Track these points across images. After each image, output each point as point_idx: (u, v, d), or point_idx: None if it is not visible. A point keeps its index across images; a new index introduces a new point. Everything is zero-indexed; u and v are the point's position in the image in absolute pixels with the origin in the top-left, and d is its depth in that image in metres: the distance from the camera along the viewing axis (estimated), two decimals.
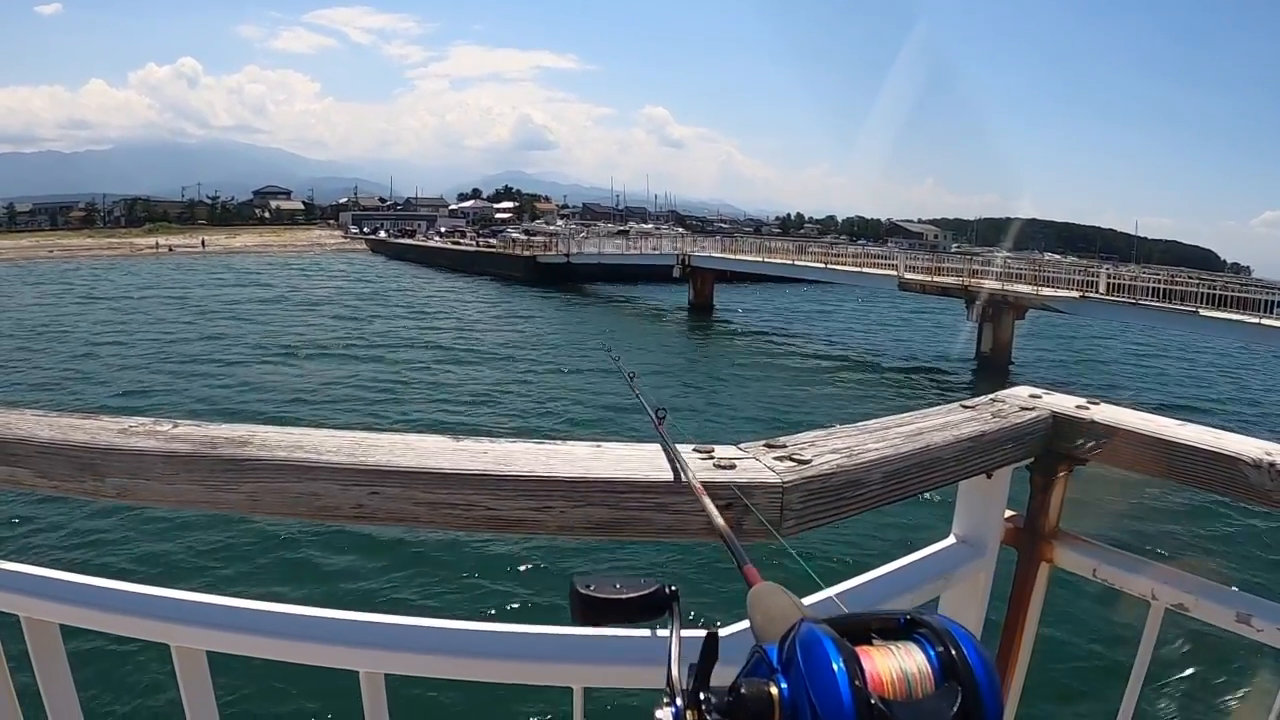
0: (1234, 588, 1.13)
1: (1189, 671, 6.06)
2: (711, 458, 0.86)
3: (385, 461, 0.81)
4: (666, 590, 0.48)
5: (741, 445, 0.91)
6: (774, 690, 0.39)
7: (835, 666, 0.36)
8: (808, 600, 1.01)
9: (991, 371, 22.65)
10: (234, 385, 17.55)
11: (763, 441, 0.92)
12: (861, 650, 0.37)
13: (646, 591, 0.49)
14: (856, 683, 0.36)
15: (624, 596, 0.48)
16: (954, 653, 0.37)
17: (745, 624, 0.49)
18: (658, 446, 0.86)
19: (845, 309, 39.41)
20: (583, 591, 0.50)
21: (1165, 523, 9.99)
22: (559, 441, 0.88)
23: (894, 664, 0.38)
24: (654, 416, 0.91)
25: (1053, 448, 1.19)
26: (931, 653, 0.37)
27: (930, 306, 32.24)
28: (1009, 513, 1.26)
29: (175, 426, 0.92)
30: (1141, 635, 1.15)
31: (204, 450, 0.85)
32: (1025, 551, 1.26)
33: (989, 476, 1.15)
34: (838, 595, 1.05)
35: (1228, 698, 6.01)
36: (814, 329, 32.34)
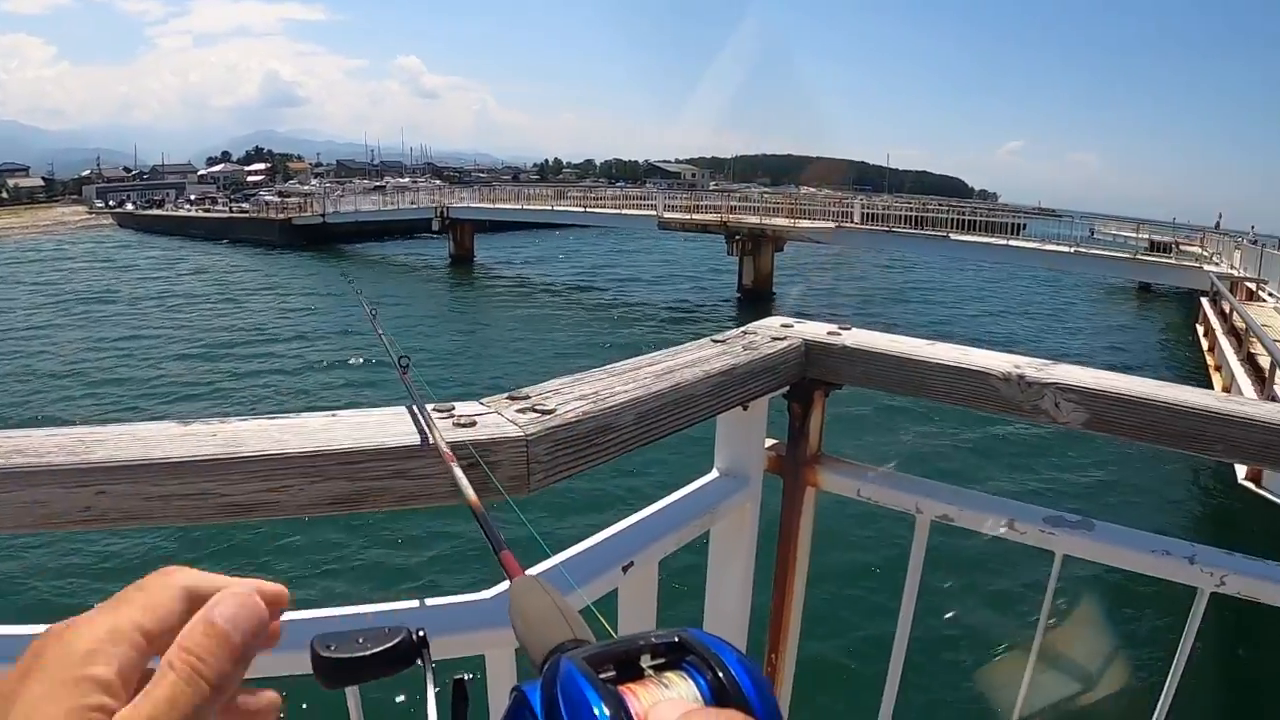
0: (994, 495, 1.18)
1: (963, 578, 6.60)
2: (452, 416, 0.80)
3: (110, 457, 0.69)
4: (415, 637, 0.43)
5: (483, 400, 0.85)
6: None
7: (598, 713, 0.32)
8: (572, 551, 0.99)
9: (755, 304, 23.74)
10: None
11: (506, 394, 0.86)
12: (627, 690, 0.33)
13: (391, 643, 0.44)
14: None
15: (367, 653, 0.43)
16: (723, 676, 0.34)
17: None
18: (398, 409, 0.80)
19: (605, 251, 40.21)
20: (324, 654, 0.45)
21: (924, 440, 11.08)
22: (292, 415, 0.79)
23: (662, 702, 0.34)
24: (398, 364, 0.84)
25: (808, 375, 1.20)
26: (702, 681, 0.34)
27: (692, 244, 33.32)
28: (770, 441, 1.27)
29: None
30: (910, 549, 1.19)
31: None
32: (790, 478, 1.28)
33: (745, 408, 1.15)
34: (606, 539, 1.03)
35: (1002, 600, 6.70)
36: (575, 274, 32.64)
